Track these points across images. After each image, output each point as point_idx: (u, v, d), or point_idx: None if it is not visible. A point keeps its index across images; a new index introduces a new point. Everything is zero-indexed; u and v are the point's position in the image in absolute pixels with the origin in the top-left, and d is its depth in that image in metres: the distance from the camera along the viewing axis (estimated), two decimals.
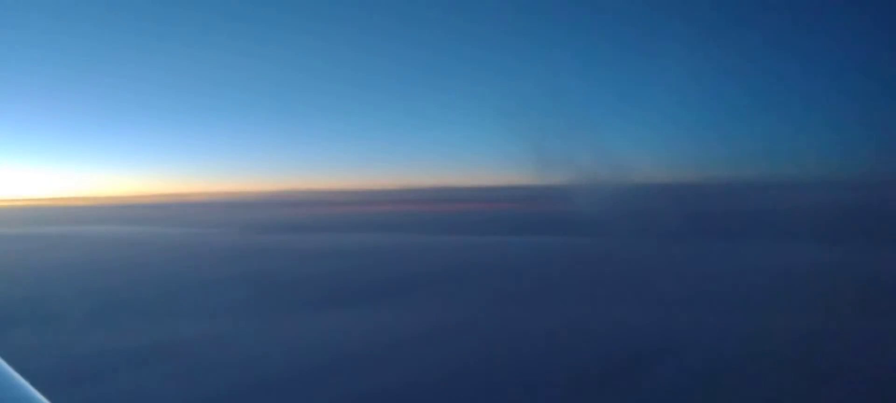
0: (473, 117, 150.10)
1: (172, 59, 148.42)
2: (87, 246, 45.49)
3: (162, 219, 77.03)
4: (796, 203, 61.31)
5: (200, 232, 58.02)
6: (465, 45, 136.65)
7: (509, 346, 16.18)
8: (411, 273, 28.80)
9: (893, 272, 25.70)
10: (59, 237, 53.30)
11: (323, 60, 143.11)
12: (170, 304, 21.60)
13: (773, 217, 50.99)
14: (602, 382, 13.39)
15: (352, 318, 19.50)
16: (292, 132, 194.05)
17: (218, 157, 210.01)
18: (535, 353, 15.43)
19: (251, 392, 12.80)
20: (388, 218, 72.03)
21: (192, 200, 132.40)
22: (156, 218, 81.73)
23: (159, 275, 29.46)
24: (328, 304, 21.81)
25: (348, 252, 38.97)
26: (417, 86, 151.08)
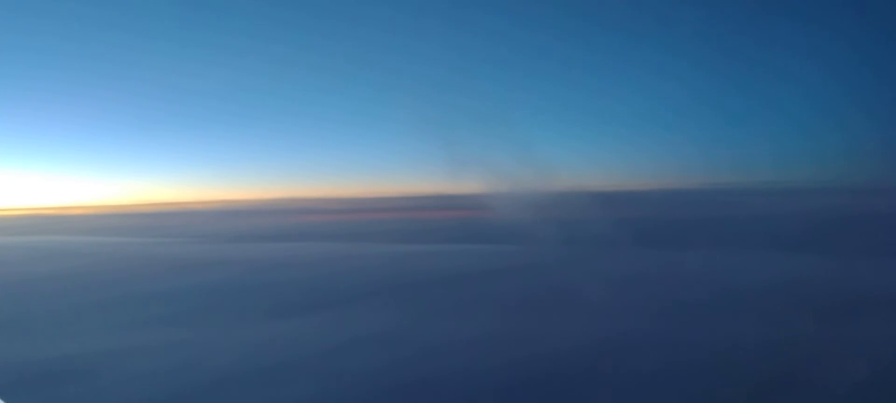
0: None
1: (175, 69, 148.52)
2: (47, 259, 44.65)
3: (142, 229, 76.20)
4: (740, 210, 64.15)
5: (166, 240, 57.01)
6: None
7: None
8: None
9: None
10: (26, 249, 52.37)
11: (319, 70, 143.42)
12: (87, 319, 21.70)
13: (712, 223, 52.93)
14: None
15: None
16: (294, 140, 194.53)
17: (218, 164, 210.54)
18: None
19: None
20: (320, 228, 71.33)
21: (189, 208, 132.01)
22: (137, 227, 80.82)
23: (86, 288, 28.80)
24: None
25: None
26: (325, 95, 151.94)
